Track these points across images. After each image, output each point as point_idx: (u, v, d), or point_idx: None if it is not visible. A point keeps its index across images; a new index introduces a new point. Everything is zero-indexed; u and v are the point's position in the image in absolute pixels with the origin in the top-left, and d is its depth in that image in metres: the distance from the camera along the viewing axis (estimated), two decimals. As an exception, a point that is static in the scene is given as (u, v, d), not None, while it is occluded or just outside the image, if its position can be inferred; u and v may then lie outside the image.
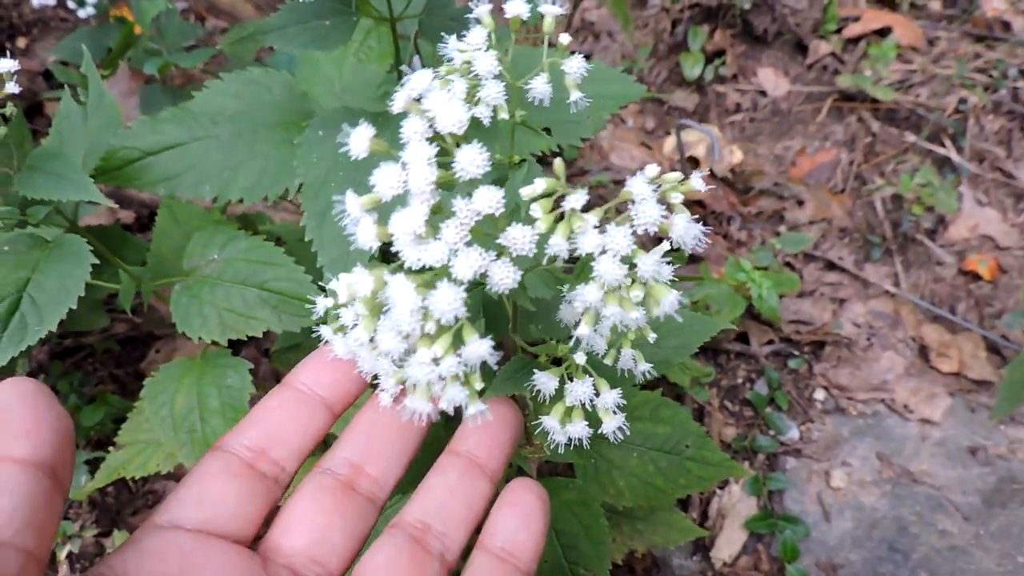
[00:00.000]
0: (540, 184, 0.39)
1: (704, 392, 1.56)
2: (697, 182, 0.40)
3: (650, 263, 0.39)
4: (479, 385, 0.41)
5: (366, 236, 0.40)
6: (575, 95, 0.51)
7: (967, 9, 2.57)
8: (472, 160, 0.39)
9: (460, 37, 0.66)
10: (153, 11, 1.25)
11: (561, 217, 0.39)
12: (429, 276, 0.39)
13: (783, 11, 2.46)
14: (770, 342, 1.76)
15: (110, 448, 1.15)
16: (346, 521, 0.50)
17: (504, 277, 0.39)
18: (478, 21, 0.52)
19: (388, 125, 0.73)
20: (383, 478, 0.52)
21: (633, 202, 0.39)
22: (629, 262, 0.39)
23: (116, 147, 0.79)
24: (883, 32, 2.48)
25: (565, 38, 0.51)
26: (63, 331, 1.47)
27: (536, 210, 0.39)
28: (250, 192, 0.80)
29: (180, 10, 2.42)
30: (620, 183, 2.06)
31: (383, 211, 0.72)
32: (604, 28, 2.48)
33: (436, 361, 0.39)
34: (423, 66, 0.85)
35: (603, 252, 0.38)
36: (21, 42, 2.27)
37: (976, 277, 1.97)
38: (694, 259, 1.79)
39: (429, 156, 0.39)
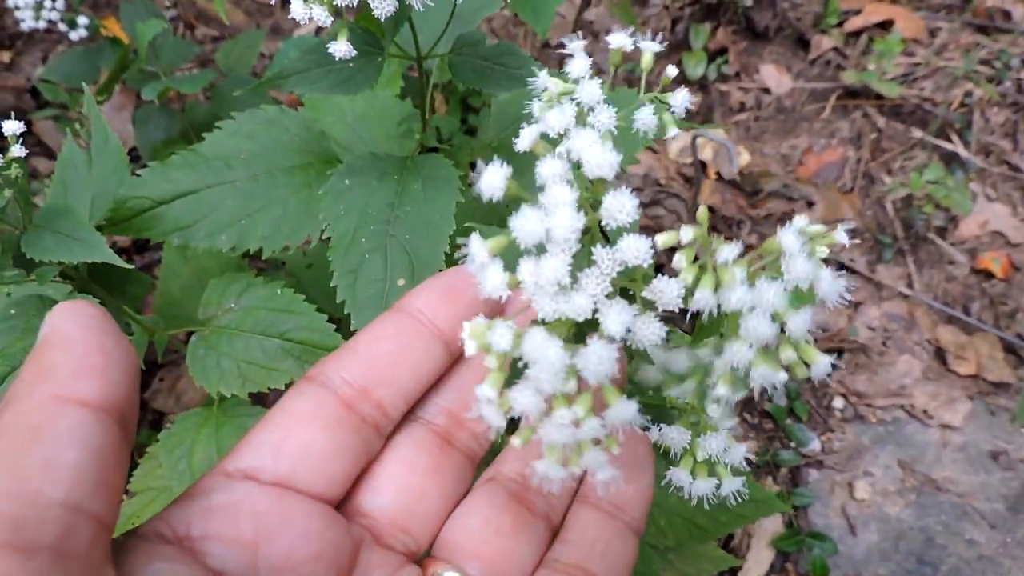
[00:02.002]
0: (687, 233, 0.36)
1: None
2: (841, 235, 0.39)
3: (800, 322, 0.36)
4: (617, 450, 0.37)
5: (495, 285, 0.36)
6: (672, 131, 0.48)
7: (968, -2, 2.54)
8: (621, 207, 0.35)
9: (503, 84, 0.63)
10: (149, 33, 1.19)
11: (705, 267, 0.37)
12: (564, 330, 0.36)
13: (784, 6, 2.42)
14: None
15: (127, 489, 1.11)
16: (443, 482, 0.42)
17: (651, 333, 0.36)
18: (572, 56, 0.49)
19: (419, 172, 0.69)
20: (485, 431, 0.43)
21: (783, 256, 0.36)
22: (779, 320, 0.36)
23: (125, 197, 0.74)
24: (884, 25, 2.45)
25: (672, 70, 0.49)
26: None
27: (680, 261, 0.36)
28: (269, 241, 0.76)
29: (169, 18, 2.36)
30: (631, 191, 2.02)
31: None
32: (603, 27, 2.43)
33: (576, 423, 0.35)
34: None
35: (751, 309, 0.36)
36: (5, 56, 2.20)
37: (989, 275, 1.95)
38: (708, 268, 1.75)
39: (573, 200, 0.35)
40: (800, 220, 0.38)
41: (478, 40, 0.67)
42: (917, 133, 2.21)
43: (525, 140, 0.39)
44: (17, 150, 0.58)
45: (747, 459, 1.43)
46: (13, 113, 0.65)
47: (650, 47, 0.52)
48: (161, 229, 0.75)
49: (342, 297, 0.63)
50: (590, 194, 0.37)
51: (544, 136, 0.40)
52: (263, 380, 0.81)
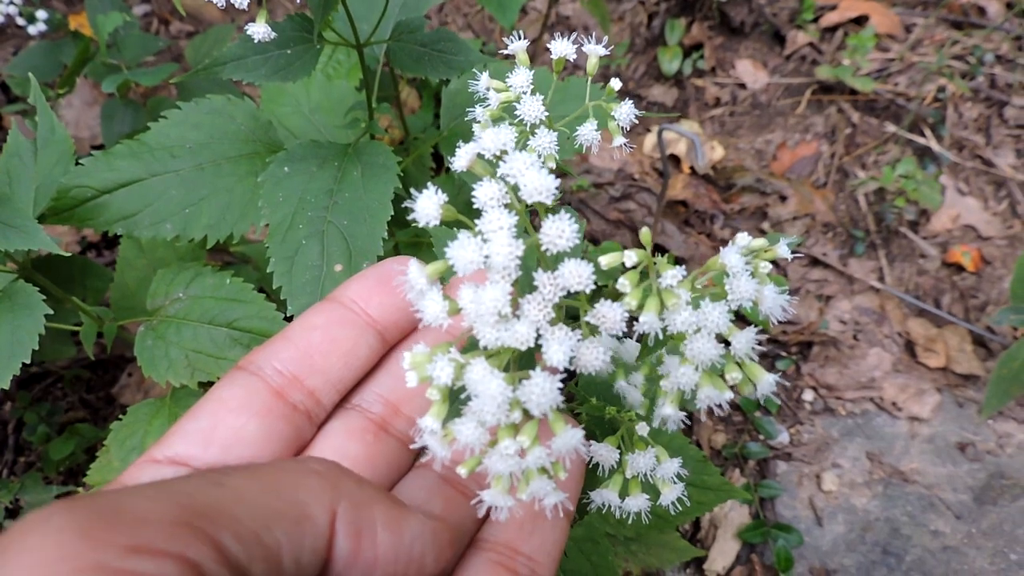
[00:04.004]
0: (631, 256, 0.36)
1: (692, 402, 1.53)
2: (783, 250, 0.39)
3: (745, 341, 0.36)
4: (564, 476, 0.37)
5: (434, 313, 0.36)
6: (619, 140, 0.48)
7: (943, -6, 2.55)
8: (560, 232, 0.35)
9: (440, 70, 0.62)
10: (110, 26, 1.19)
11: (650, 290, 0.36)
12: (507, 358, 0.35)
13: (760, 1, 2.43)
14: (757, 344, 1.74)
15: (83, 482, 1.11)
16: (375, 469, 0.42)
17: (595, 359, 0.36)
18: (513, 58, 0.48)
19: (359, 159, 0.69)
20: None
21: (727, 275, 0.36)
22: (723, 340, 0.36)
23: (68, 186, 0.74)
24: (860, 20, 2.46)
25: (616, 83, 0.49)
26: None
27: (625, 285, 0.35)
28: (214, 230, 0.75)
29: (143, 14, 2.35)
30: (601, 186, 2.02)
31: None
32: (580, 23, 2.43)
33: (522, 452, 0.35)
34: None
35: (697, 330, 0.36)
36: (-24, 52, 2.18)
37: (960, 269, 1.96)
38: (679, 261, 1.76)
39: (511, 225, 0.35)
40: (743, 237, 0.37)
41: (417, 27, 0.67)
42: (891, 128, 2.23)
43: (462, 159, 0.38)
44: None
45: (716, 451, 1.42)
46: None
47: (595, 51, 0.51)
48: (104, 218, 0.75)
49: (278, 283, 0.63)
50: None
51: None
52: (212, 369, 0.81)
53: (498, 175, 0.37)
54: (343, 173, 0.67)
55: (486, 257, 0.34)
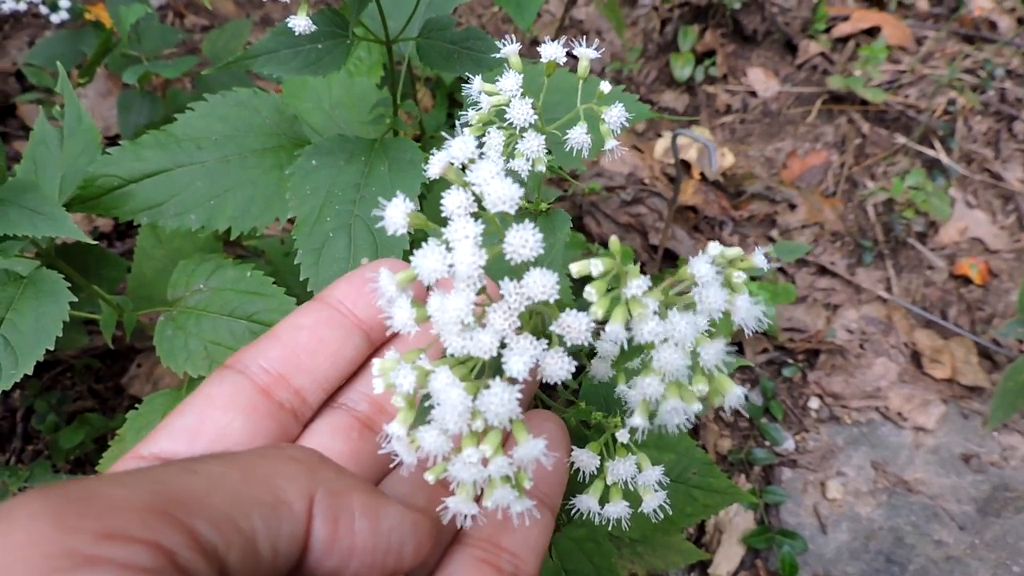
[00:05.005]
0: (598, 265, 0.35)
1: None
2: (759, 259, 0.38)
3: (714, 352, 0.35)
4: (528, 484, 0.37)
5: (403, 320, 0.36)
6: (610, 143, 0.48)
7: (954, 8, 2.56)
8: (524, 242, 0.35)
9: (469, 68, 0.63)
10: (132, 17, 1.19)
11: (618, 299, 0.35)
12: (474, 365, 0.35)
13: (772, 10, 2.44)
14: (764, 351, 1.74)
15: (94, 470, 1.11)
16: (360, 467, 0.43)
17: (559, 368, 0.36)
18: (506, 62, 0.48)
19: (385, 154, 0.70)
20: None
21: (696, 285, 0.35)
22: (692, 351, 0.36)
23: (95, 175, 0.75)
24: (872, 31, 2.47)
25: (606, 86, 0.49)
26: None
27: (591, 294, 0.35)
28: (238, 221, 0.76)
29: (158, 7, 2.36)
30: (612, 190, 2.03)
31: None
32: (593, 27, 2.44)
33: (484, 461, 0.35)
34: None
35: (664, 341, 0.35)
36: (-9, 40, 2.19)
37: (967, 281, 1.97)
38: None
39: (476, 235, 0.35)
40: (714, 247, 0.37)
41: (446, 24, 0.67)
42: (900, 139, 2.23)
43: (435, 167, 0.38)
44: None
45: (722, 456, 1.42)
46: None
47: (586, 54, 0.52)
48: (130, 208, 0.75)
49: (305, 275, 0.64)
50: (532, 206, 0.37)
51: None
52: (230, 361, 0.81)
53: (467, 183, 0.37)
54: (370, 168, 0.67)
55: (450, 266, 0.35)
